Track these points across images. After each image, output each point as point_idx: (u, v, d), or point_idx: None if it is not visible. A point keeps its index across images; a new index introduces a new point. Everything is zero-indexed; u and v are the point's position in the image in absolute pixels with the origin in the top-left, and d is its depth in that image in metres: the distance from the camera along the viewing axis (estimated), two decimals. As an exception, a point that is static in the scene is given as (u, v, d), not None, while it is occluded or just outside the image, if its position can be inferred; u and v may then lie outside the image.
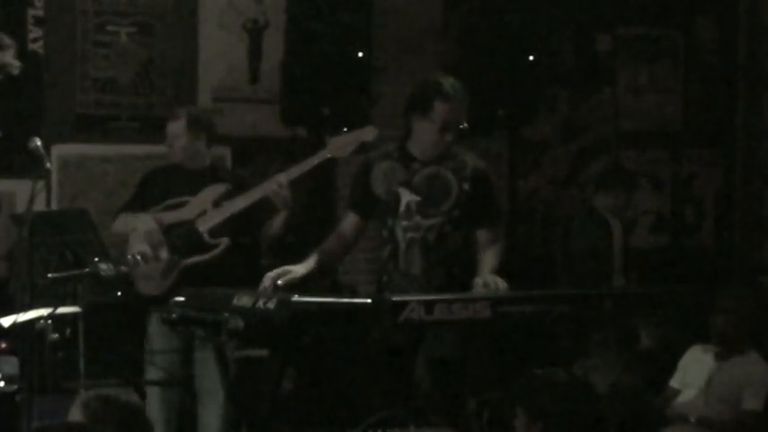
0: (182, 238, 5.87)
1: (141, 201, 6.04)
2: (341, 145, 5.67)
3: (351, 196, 5.32)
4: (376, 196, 5.14)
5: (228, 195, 5.91)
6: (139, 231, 5.86)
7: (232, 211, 5.86)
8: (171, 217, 5.93)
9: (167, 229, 5.90)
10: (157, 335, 5.95)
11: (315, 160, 5.74)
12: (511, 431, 5.02)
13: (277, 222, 5.85)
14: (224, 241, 5.89)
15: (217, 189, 5.95)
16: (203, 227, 5.87)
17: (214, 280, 5.62)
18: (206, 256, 5.87)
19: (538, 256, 8.09)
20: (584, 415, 3.82)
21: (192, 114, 6.10)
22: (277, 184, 5.69)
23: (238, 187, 5.93)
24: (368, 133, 5.67)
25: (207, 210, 5.90)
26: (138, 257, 5.68)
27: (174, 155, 6.07)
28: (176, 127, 6.04)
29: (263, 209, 5.86)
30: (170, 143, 6.06)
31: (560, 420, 3.81)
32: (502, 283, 4.77)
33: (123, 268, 5.76)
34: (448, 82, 5.09)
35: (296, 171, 5.76)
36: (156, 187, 6.06)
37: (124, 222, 5.88)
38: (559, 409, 3.83)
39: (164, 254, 5.88)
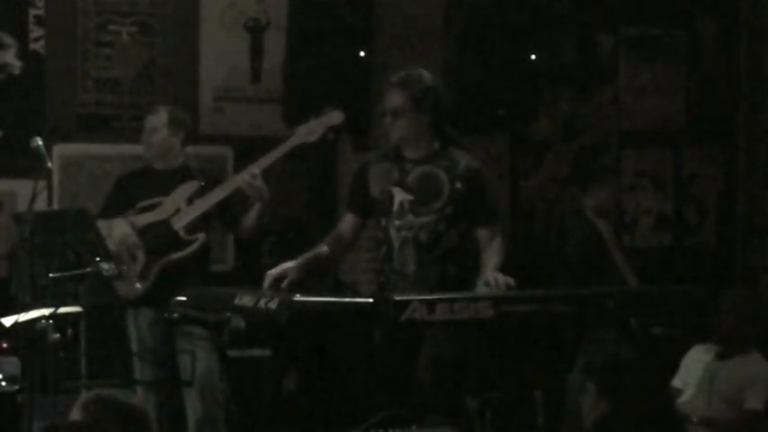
0: (157, 237, 5.90)
1: (115, 206, 6.06)
2: (307, 131, 5.74)
3: (349, 197, 5.33)
4: (372, 197, 5.15)
5: (201, 192, 5.94)
6: (114, 236, 5.88)
7: (207, 206, 5.89)
8: (146, 218, 5.96)
9: (143, 231, 5.92)
10: (145, 334, 5.96)
11: (284, 149, 5.81)
12: (512, 430, 5.02)
13: (252, 214, 5.87)
14: (200, 237, 5.91)
15: (189, 187, 5.98)
16: (179, 224, 5.90)
17: (193, 277, 5.65)
18: (183, 253, 5.89)
19: (539, 255, 8.08)
20: (652, 396, 3.83)
21: (172, 111, 6.14)
22: (250, 176, 5.71)
23: (210, 184, 5.96)
24: (334, 118, 5.74)
25: (181, 208, 5.92)
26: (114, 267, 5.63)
27: (149, 150, 6.10)
28: (156, 120, 6.09)
29: (239, 203, 5.90)
30: (147, 138, 6.10)
31: (630, 400, 3.82)
32: (505, 280, 4.75)
33: (124, 267, 5.78)
34: (405, 72, 5.12)
35: (266, 160, 5.80)
36: (129, 191, 6.08)
37: (100, 229, 5.84)
38: (631, 388, 3.84)
39: (140, 255, 5.90)
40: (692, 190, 8.63)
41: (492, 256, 5.00)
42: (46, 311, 5.29)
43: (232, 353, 6.22)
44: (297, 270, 4.96)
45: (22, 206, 6.52)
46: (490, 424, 4.97)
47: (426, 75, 5.12)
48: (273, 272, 4.94)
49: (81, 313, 5.42)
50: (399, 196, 5.06)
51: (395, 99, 5.06)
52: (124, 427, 3.51)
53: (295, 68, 7.20)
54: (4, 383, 6.11)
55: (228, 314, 4.45)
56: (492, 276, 4.78)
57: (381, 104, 5.19)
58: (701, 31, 8.56)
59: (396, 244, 5.06)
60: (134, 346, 6.04)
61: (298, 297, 4.31)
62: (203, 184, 5.98)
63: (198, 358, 5.84)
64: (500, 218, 5.28)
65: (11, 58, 7.18)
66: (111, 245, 5.78)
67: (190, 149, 6.33)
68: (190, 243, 5.91)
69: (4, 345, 6.27)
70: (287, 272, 4.94)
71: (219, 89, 7.61)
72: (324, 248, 5.17)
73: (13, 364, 6.17)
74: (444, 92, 5.20)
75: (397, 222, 5.06)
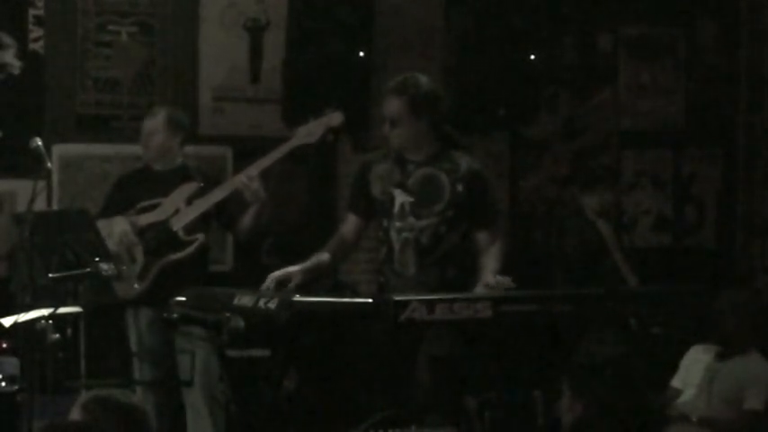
0: (157, 237, 5.90)
1: (114, 206, 6.06)
2: (307, 132, 5.75)
3: (350, 198, 5.33)
4: (373, 197, 5.14)
5: (200, 193, 5.95)
6: (114, 235, 5.88)
7: (205, 207, 5.90)
8: (145, 219, 5.96)
9: (142, 231, 5.93)
10: (145, 334, 5.97)
11: (283, 150, 5.82)
12: (512, 430, 5.02)
13: (249, 216, 5.88)
14: (199, 237, 5.92)
15: (188, 188, 5.99)
16: (178, 225, 5.90)
17: (192, 278, 5.65)
18: (182, 254, 5.89)
19: (539, 255, 8.09)
20: (628, 397, 3.80)
21: (170, 113, 6.14)
22: (247, 177, 5.72)
23: (209, 185, 5.97)
24: (334, 119, 5.75)
25: (180, 208, 5.93)
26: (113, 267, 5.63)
27: (147, 152, 6.12)
28: (153, 124, 6.10)
29: (236, 204, 5.91)
30: (145, 140, 6.11)
31: (603, 400, 3.78)
32: (507, 282, 4.74)
33: (123, 267, 5.78)
34: (402, 77, 5.09)
35: (265, 162, 5.82)
36: (128, 191, 6.08)
37: (100, 229, 5.84)
38: (603, 389, 3.80)
39: (139, 255, 5.90)
40: (691, 190, 8.63)
41: (490, 261, 4.99)
42: (45, 311, 5.29)
43: (232, 353, 6.21)
44: (301, 274, 4.96)
45: (21, 206, 6.52)
46: (490, 424, 4.96)
47: (423, 79, 5.09)
48: (277, 274, 4.93)
49: (80, 313, 5.42)
50: (400, 198, 5.06)
51: (392, 107, 5.03)
52: (124, 427, 3.51)
53: (294, 68, 7.21)
54: (3, 383, 6.11)
55: (228, 314, 4.45)
56: (492, 281, 4.77)
57: (381, 107, 5.18)
58: (701, 31, 8.56)
59: (396, 246, 5.06)
60: (133, 346, 6.04)
61: (297, 297, 4.31)
62: (202, 184, 5.99)
63: (198, 358, 5.85)
64: (500, 221, 5.27)
65: (10, 58, 7.18)
66: (111, 245, 5.79)
67: (189, 149, 6.34)
68: (189, 244, 5.92)
69: (4, 345, 6.28)
70: (291, 275, 4.93)
71: (219, 89, 7.61)
72: (325, 256, 5.15)
73: (12, 364, 6.17)
74: (443, 94, 5.17)
75: (397, 224, 5.05)
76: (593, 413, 3.76)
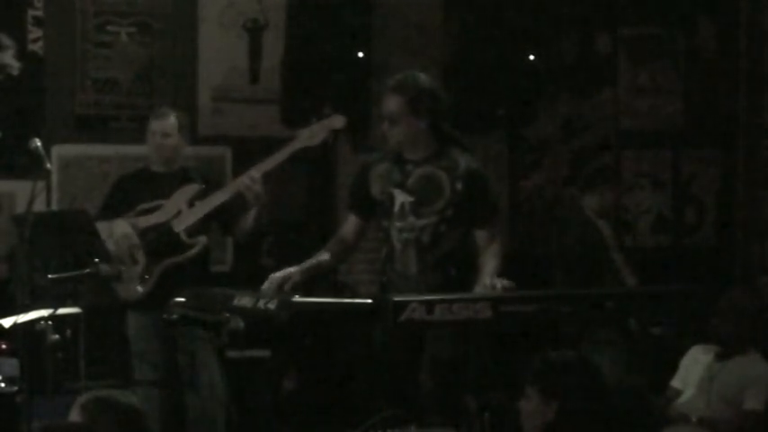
0: (158, 239, 5.90)
1: (114, 207, 6.06)
2: (310, 135, 5.75)
3: (350, 199, 5.32)
4: (374, 198, 5.14)
5: (201, 195, 5.94)
6: (115, 237, 5.87)
7: (207, 210, 5.89)
8: (146, 221, 5.95)
9: (143, 233, 5.92)
10: (143, 335, 5.97)
11: (286, 152, 5.81)
12: (512, 430, 5.01)
13: (249, 218, 5.87)
14: (201, 240, 5.91)
15: (189, 189, 5.98)
16: (179, 227, 5.90)
17: (194, 279, 5.65)
18: (185, 256, 5.89)
19: (538, 256, 8.08)
20: (599, 395, 3.76)
21: (179, 115, 6.16)
22: (249, 179, 5.71)
23: (210, 186, 5.97)
24: (337, 122, 5.75)
25: (182, 210, 5.93)
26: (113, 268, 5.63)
27: (161, 153, 6.09)
28: (167, 126, 6.09)
29: (236, 206, 5.91)
30: (158, 142, 6.08)
31: (576, 400, 3.74)
32: (507, 284, 4.73)
33: (122, 268, 5.78)
34: (401, 75, 5.10)
35: (268, 164, 5.81)
36: (128, 192, 6.08)
37: (100, 230, 5.84)
38: (576, 388, 3.76)
39: (140, 257, 5.89)
40: (691, 190, 8.63)
41: (490, 260, 4.98)
42: (45, 312, 5.29)
43: (232, 353, 6.22)
44: (300, 274, 4.95)
45: (20, 207, 6.51)
46: (490, 424, 4.96)
47: (423, 78, 5.09)
48: (277, 275, 4.93)
49: (80, 314, 5.42)
50: (400, 198, 5.06)
51: (391, 105, 5.03)
52: (123, 427, 3.51)
53: (294, 69, 7.20)
54: (3, 384, 6.11)
55: (227, 314, 4.45)
56: (492, 282, 4.77)
57: (380, 107, 5.18)
58: (700, 31, 8.56)
59: (397, 246, 5.06)
60: (134, 346, 6.04)
61: (297, 298, 4.31)
62: (203, 186, 5.99)
63: (198, 358, 5.84)
64: (498, 219, 5.27)
65: (9, 58, 7.18)
66: (112, 246, 5.79)
67: (188, 150, 6.33)
68: (191, 246, 5.91)
69: (4, 346, 6.27)
70: (291, 275, 4.93)
71: (218, 89, 7.61)
72: (325, 256, 5.14)
73: (12, 365, 6.17)
74: (442, 93, 5.17)
75: (398, 224, 5.05)
76: (567, 416, 3.71)
